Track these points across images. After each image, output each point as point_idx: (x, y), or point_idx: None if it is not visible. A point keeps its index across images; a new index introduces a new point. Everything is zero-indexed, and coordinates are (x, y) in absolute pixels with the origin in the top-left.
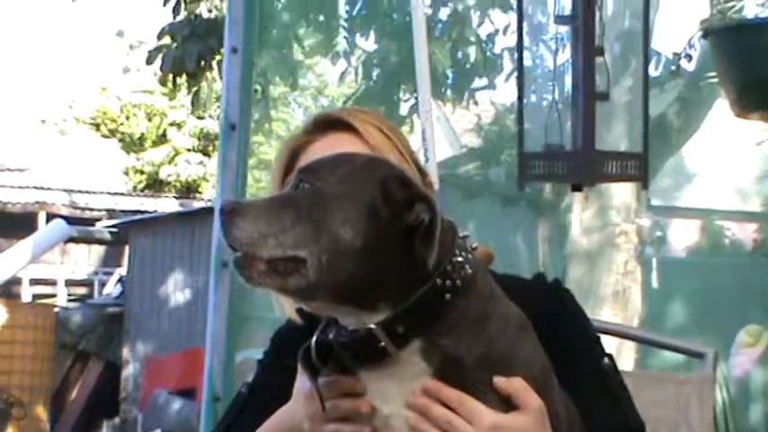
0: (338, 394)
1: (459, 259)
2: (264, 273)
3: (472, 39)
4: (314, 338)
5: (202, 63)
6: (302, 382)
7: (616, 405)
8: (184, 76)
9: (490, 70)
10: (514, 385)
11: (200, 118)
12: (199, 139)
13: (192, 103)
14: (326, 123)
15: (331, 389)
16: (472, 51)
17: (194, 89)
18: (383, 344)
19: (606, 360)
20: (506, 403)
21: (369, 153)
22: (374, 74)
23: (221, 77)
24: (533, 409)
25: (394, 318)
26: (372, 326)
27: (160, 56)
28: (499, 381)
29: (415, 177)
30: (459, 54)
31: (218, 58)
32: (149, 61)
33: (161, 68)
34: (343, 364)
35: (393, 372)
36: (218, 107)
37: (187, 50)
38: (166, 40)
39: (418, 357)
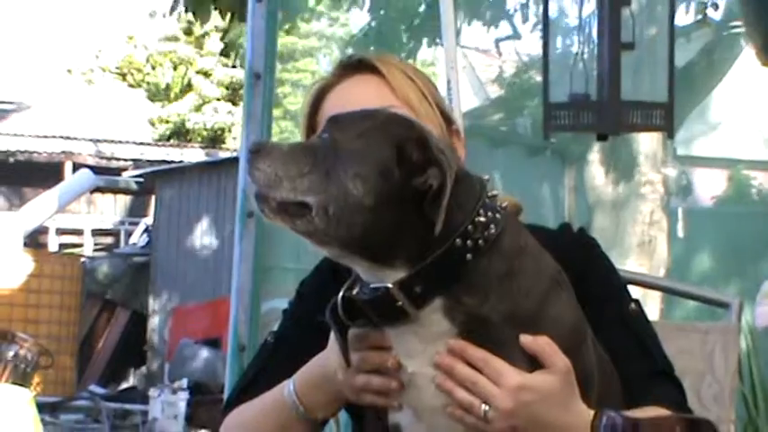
0: (367, 347)
1: (482, 219)
2: (275, 210)
3: None
4: (340, 295)
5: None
6: None
7: (644, 349)
8: (212, 24)
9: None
10: (541, 344)
11: (232, 66)
12: (227, 89)
13: (223, 52)
14: (352, 66)
15: (360, 342)
16: None
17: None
18: (401, 303)
19: (633, 305)
20: (532, 362)
21: (396, 109)
22: (381, 13)
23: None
24: (559, 368)
25: (411, 277)
26: (390, 285)
27: None
28: (525, 339)
29: (438, 123)
30: None
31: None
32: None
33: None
34: (371, 319)
35: (416, 330)
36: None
37: None
38: None
39: (440, 316)
